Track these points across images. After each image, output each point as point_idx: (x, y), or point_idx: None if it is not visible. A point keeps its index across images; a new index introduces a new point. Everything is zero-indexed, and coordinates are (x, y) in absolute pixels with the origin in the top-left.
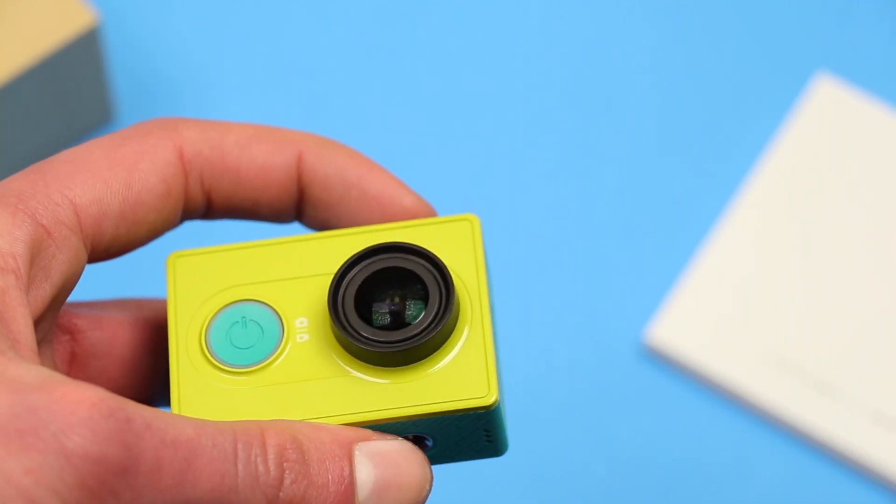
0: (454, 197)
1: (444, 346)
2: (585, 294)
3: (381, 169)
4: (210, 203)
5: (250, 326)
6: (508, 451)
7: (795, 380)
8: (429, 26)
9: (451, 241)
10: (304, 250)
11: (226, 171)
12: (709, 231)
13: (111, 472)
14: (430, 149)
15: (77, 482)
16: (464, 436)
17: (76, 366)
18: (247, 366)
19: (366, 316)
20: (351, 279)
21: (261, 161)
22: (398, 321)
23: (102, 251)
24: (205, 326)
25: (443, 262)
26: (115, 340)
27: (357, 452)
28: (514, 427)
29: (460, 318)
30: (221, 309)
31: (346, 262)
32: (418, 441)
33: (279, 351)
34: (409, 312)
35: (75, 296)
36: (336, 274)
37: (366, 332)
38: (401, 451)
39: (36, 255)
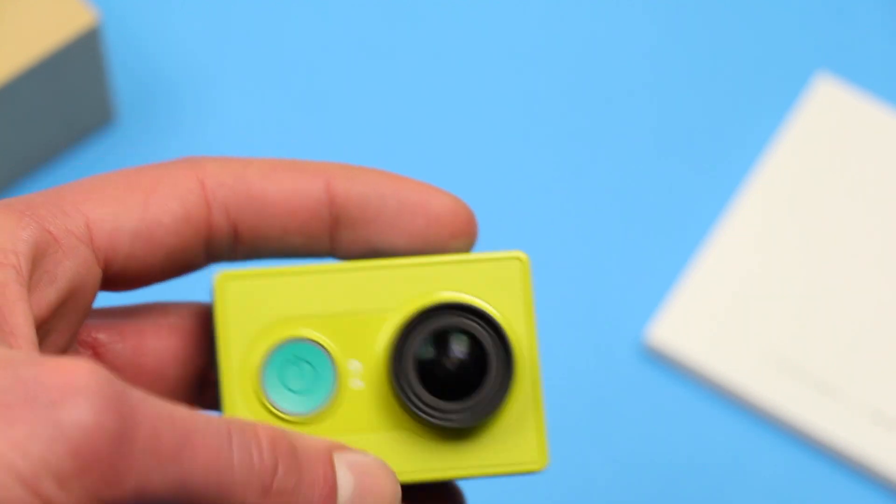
0: None
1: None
2: (585, 294)
3: (409, 178)
4: (237, 236)
5: (303, 367)
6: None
7: (795, 380)
8: (429, 27)
9: (498, 280)
10: (354, 280)
11: (251, 199)
12: (709, 231)
13: (107, 441)
14: (429, 149)
15: (70, 452)
16: (499, 478)
17: None
18: (302, 414)
19: (425, 379)
20: (408, 340)
21: (287, 186)
22: (458, 385)
23: (119, 270)
24: (258, 366)
25: (504, 330)
26: (138, 351)
27: (336, 460)
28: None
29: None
30: (274, 347)
31: (402, 328)
32: None
33: (334, 399)
34: (463, 359)
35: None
36: (393, 341)
37: (430, 402)
38: (375, 463)
39: (40, 257)
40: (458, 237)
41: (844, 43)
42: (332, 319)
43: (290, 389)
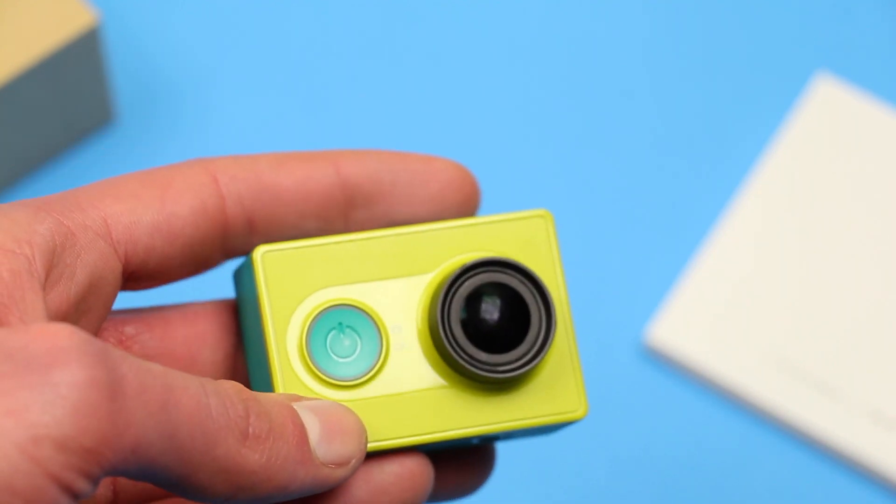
0: None
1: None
2: (585, 294)
3: (412, 152)
4: (252, 227)
5: (348, 333)
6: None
7: (795, 380)
8: (429, 28)
9: (526, 238)
10: (389, 246)
11: (264, 189)
12: (709, 231)
13: (104, 396)
14: (429, 150)
15: (69, 412)
16: (536, 433)
17: None
18: (350, 378)
19: (471, 334)
20: (453, 298)
21: (299, 174)
22: (502, 338)
23: (140, 265)
24: (304, 334)
25: (542, 283)
26: (167, 340)
27: (297, 407)
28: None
29: None
30: (318, 314)
31: (445, 286)
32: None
33: (380, 362)
34: (504, 317)
35: None
36: (439, 299)
37: (476, 356)
38: (334, 406)
39: (59, 252)
40: (467, 200)
41: (844, 43)
42: (372, 284)
43: (337, 356)
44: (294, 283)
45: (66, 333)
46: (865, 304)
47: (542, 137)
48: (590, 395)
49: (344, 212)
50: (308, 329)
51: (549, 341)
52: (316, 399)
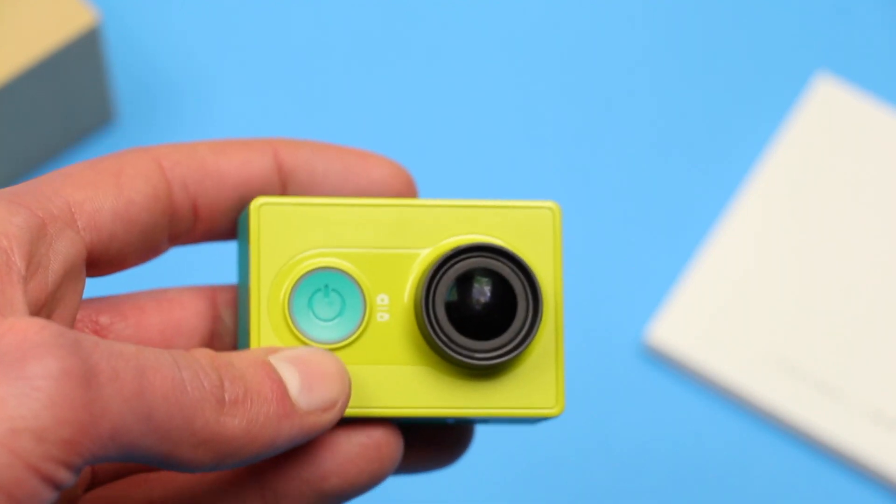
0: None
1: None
2: (586, 294)
3: (351, 147)
4: (196, 212)
5: (332, 297)
6: (508, 451)
7: (795, 380)
8: (429, 28)
9: (530, 228)
10: (390, 216)
11: (206, 173)
12: (709, 231)
13: (78, 387)
14: (429, 150)
15: (45, 404)
16: (514, 422)
17: None
18: (328, 342)
19: (454, 317)
20: (440, 279)
21: (238, 158)
22: (485, 325)
23: (102, 252)
24: (288, 292)
25: (533, 274)
26: (141, 329)
27: (273, 361)
28: (513, 424)
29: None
30: (305, 274)
31: (434, 266)
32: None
33: (360, 329)
34: (491, 300)
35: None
36: (426, 278)
37: (457, 340)
38: (311, 352)
39: (35, 243)
40: (400, 196)
41: (844, 43)
42: (364, 253)
43: (318, 317)
44: (287, 239)
45: (36, 327)
46: (865, 303)
47: (542, 137)
48: (590, 395)
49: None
50: (293, 287)
51: (532, 334)
52: (292, 348)
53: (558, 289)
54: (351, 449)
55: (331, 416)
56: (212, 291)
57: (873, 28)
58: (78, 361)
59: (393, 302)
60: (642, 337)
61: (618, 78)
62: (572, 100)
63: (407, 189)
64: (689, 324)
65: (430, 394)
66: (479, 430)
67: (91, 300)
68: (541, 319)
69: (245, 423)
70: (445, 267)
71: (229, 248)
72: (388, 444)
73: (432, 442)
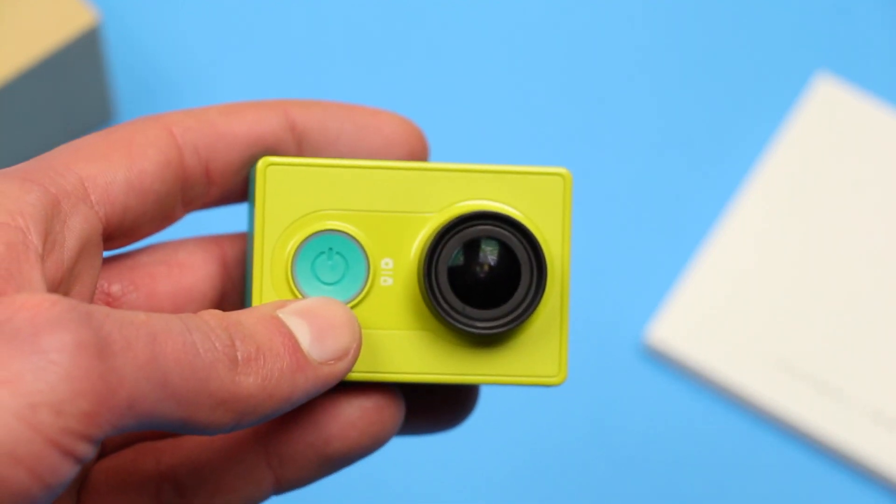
0: None
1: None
2: (586, 294)
3: (362, 105)
4: (210, 176)
5: (336, 260)
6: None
7: (795, 380)
8: (429, 28)
9: (540, 195)
10: (397, 179)
11: (218, 136)
12: (709, 231)
13: (93, 358)
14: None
15: (62, 377)
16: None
17: None
18: None
19: (456, 284)
20: (444, 245)
21: (249, 118)
22: (487, 294)
23: (117, 224)
24: (291, 254)
25: (538, 243)
26: (152, 296)
27: (281, 315)
28: (513, 425)
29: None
30: (310, 235)
31: (439, 232)
32: None
33: (363, 293)
34: (494, 267)
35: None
36: (430, 244)
37: (458, 307)
38: (319, 302)
39: (50, 221)
40: (414, 153)
41: (844, 43)
42: (370, 215)
43: (320, 280)
44: (292, 200)
45: (48, 303)
46: (866, 304)
47: (543, 138)
48: (590, 395)
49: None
50: (297, 248)
51: (534, 305)
52: (299, 301)
53: (566, 259)
54: (353, 412)
55: (344, 365)
56: (221, 251)
57: (873, 28)
58: (91, 333)
59: (397, 266)
60: (642, 337)
61: (617, 78)
62: (572, 100)
63: (419, 145)
64: (689, 324)
65: (431, 360)
66: (479, 431)
67: (102, 269)
68: (544, 291)
69: (260, 380)
70: (451, 234)
71: (243, 208)
72: (389, 406)
73: (435, 404)
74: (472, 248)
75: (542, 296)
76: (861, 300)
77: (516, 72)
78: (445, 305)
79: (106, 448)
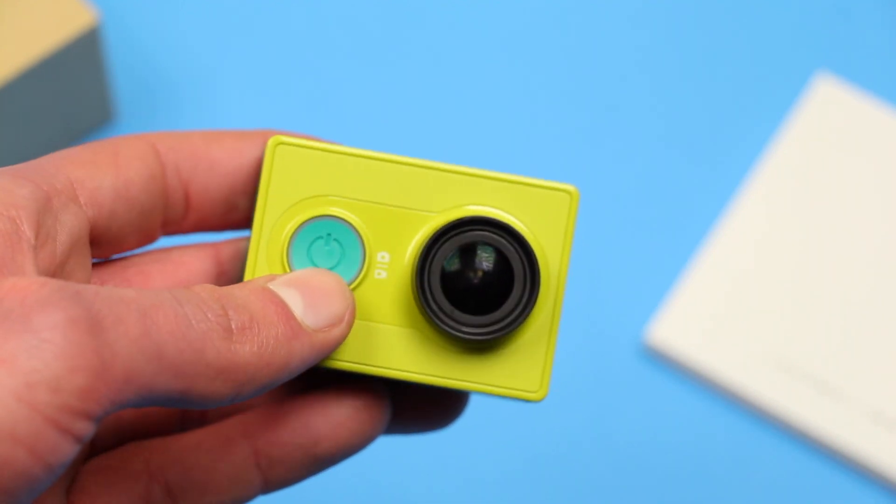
0: None
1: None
2: (586, 294)
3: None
4: (188, 200)
5: (333, 246)
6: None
7: (795, 380)
8: (429, 28)
9: (545, 208)
10: (405, 175)
11: (199, 159)
12: (709, 231)
13: (83, 332)
14: (429, 150)
15: (56, 354)
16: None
17: None
18: None
19: (447, 287)
20: (440, 247)
21: (230, 147)
22: (479, 300)
23: (103, 230)
24: (290, 234)
25: (534, 253)
26: None
27: (272, 286)
28: (513, 425)
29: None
30: (310, 219)
31: (435, 234)
32: None
33: (356, 283)
34: (487, 271)
35: None
36: (425, 244)
37: (447, 310)
38: (309, 272)
39: (42, 215)
40: None
41: (844, 43)
42: (373, 207)
43: (314, 263)
44: (298, 181)
45: (38, 284)
46: (866, 304)
47: (543, 138)
48: (590, 395)
49: None
50: (296, 229)
51: (524, 315)
52: (288, 273)
53: (562, 274)
54: (342, 412)
55: (339, 331)
56: (215, 249)
57: (873, 28)
58: (81, 310)
59: (393, 261)
60: (642, 337)
61: (617, 78)
62: (572, 101)
63: None
64: (688, 324)
65: (416, 359)
66: (477, 430)
67: (95, 268)
68: (535, 303)
69: (256, 347)
70: (448, 235)
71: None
72: (376, 405)
73: (426, 403)
74: (467, 252)
75: (532, 308)
76: (861, 300)
77: (517, 72)
78: (434, 306)
79: (95, 448)
